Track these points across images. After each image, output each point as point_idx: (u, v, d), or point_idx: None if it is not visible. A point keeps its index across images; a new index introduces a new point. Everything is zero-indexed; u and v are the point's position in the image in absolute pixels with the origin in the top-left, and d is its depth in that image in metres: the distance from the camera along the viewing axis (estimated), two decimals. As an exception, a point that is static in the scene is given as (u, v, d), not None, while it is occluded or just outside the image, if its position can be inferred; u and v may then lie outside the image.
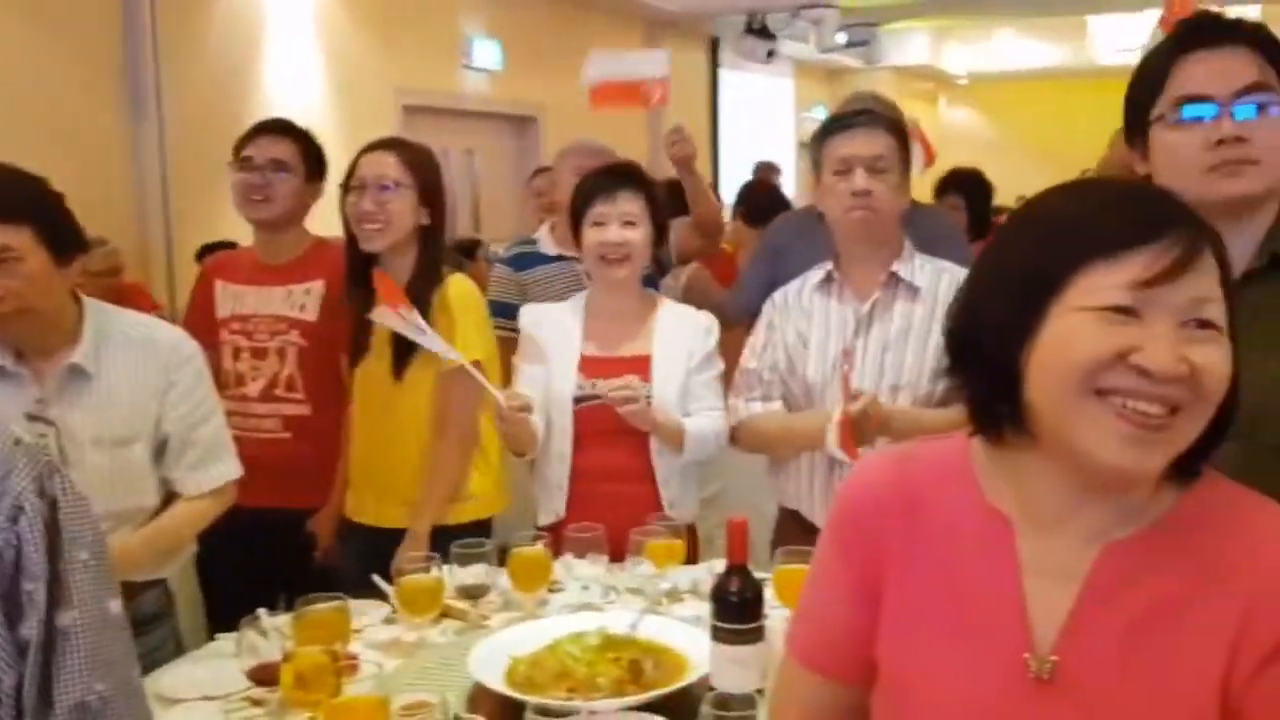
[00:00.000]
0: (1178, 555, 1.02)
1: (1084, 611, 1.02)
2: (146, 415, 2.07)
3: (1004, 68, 14.32)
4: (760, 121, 12.54)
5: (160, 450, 2.12)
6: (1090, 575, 1.03)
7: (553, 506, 2.58)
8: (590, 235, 2.57)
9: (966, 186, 4.76)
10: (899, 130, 2.46)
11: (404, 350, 2.55)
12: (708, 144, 11.54)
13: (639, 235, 2.56)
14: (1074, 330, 0.98)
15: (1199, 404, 0.98)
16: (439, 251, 2.63)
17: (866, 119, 2.43)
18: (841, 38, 10.33)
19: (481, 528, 2.61)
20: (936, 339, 2.36)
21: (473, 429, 2.63)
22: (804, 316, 2.48)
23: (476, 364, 2.51)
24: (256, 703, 1.83)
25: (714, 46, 11.45)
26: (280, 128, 2.93)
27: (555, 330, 2.63)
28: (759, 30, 10.02)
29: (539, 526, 2.54)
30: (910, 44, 13.46)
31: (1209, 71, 1.52)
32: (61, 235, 1.97)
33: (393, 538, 2.54)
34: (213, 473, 2.16)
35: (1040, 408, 1.00)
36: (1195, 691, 0.98)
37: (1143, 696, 0.99)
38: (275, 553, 2.73)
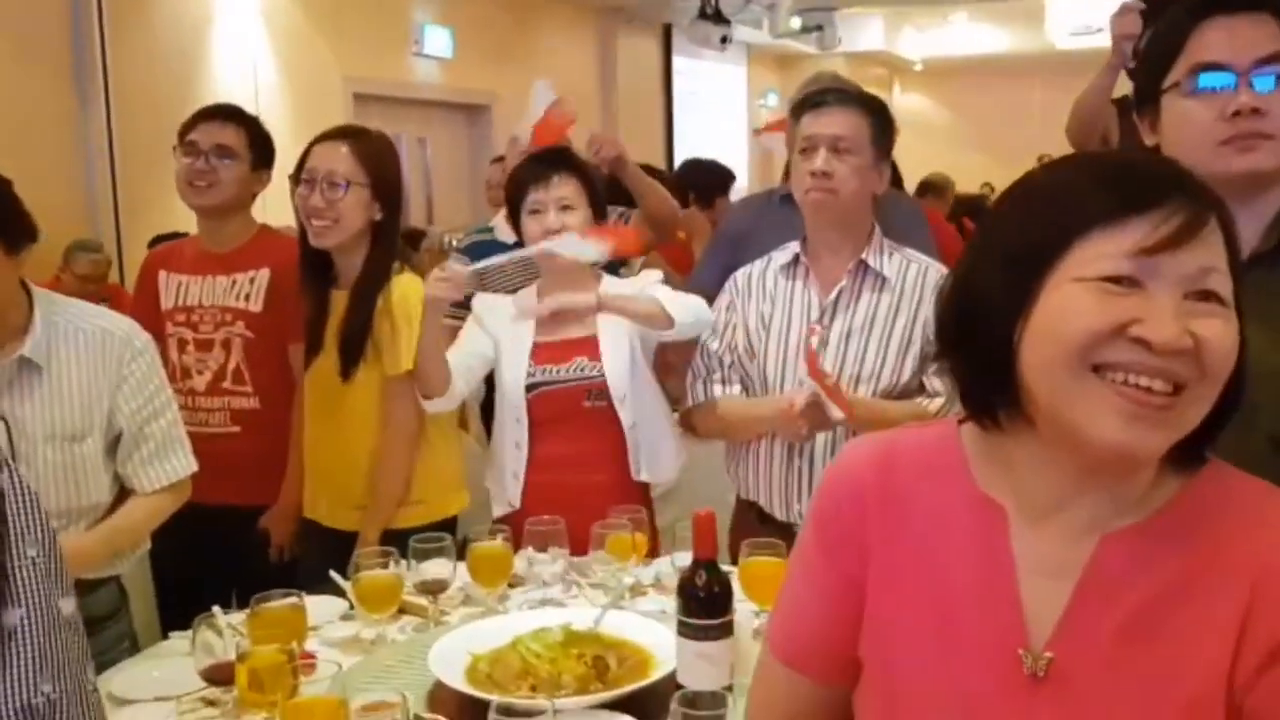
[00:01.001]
0: (1179, 547, 0.98)
1: (1080, 606, 0.98)
2: (99, 409, 2.03)
3: (959, 53, 14.35)
4: (714, 110, 12.53)
5: (113, 445, 2.08)
6: (1087, 569, 0.99)
7: (506, 497, 2.57)
8: (529, 224, 2.54)
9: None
10: (875, 109, 2.40)
11: (351, 350, 2.50)
12: (662, 133, 11.53)
13: (576, 219, 2.53)
14: (1070, 302, 0.93)
15: (1203, 382, 0.93)
16: (391, 248, 2.55)
17: (836, 97, 2.39)
18: (796, 22, 10.33)
19: (435, 529, 2.55)
20: (901, 331, 2.36)
21: (417, 432, 2.56)
22: (766, 299, 2.45)
23: (409, 373, 2.48)
24: (211, 703, 1.79)
25: (667, 34, 11.42)
26: (226, 113, 2.87)
27: (507, 321, 2.60)
28: (713, 15, 9.99)
29: (495, 519, 2.53)
30: (865, 29, 13.48)
31: (1228, 38, 1.44)
32: (11, 225, 1.92)
33: (348, 539, 2.50)
34: (167, 467, 2.13)
35: (1035, 388, 0.95)
36: (1196, 688, 0.94)
37: (1140, 693, 0.95)
38: (228, 550, 2.68)
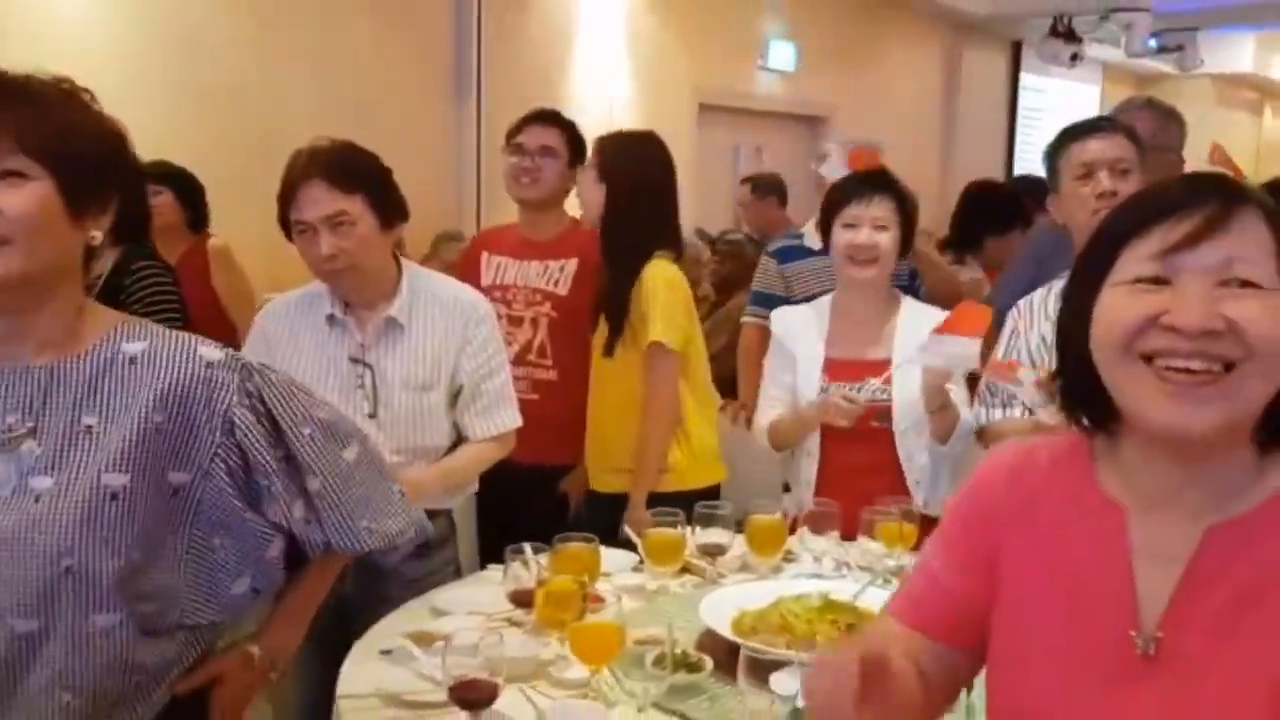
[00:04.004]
0: (1278, 538, 1.06)
1: (1187, 591, 1.08)
2: (446, 365, 2.36)
3: (1342, 76, 13.22)
4: (1062, 126, 12.12)
5: (454, 397, 2.40)
6: (1193, 558, 1.08)
7: (798, 499, 2.72)
8: (841, 236, 2.67)
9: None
10: (1135, 137, 2.48)
11: (615, 328, 2.81)
12: (1003, 148, 11.30)
13: (888, 239, 2.65)
14: (1111, 304, 1.07)
15: (1253, 359, 1.02)
16: (626, 233, 2.87)
17: (1102, 123, 2.49)
18: (1152, 43, 9.87)
19: (683, 498, 2.67)
20: None
21: (671, 402, 2.83)
22: (1049, 323, 2.50)
23: (657, 346, 2.76)
24: (515, 623, 2.10)
25: (1016, 51, 11.19)
26: (549, 117, 3.24)
27: (801, 334, 2.76)
28: (1065, 33, 9.72)
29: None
30: (1232, 49, 12.57)
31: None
32: (388, 205, 2.28)
33: (609, 500, 2.83)
34: (497, 420, 2.43)
35: (1108, 388, 1.08)
36: None
37: (1241, 672, 1.04)
38: (529, 504, 2.98)
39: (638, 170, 2.90)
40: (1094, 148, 2.42)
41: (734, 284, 4.99)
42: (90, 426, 1.38)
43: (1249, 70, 13.12)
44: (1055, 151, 2.51)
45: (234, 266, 4.05)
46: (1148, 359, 1.05)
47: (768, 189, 6.12)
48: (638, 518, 2.72)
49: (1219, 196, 1.06)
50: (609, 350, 2.87)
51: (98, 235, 1.40)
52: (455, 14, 6.25)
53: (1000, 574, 1.19)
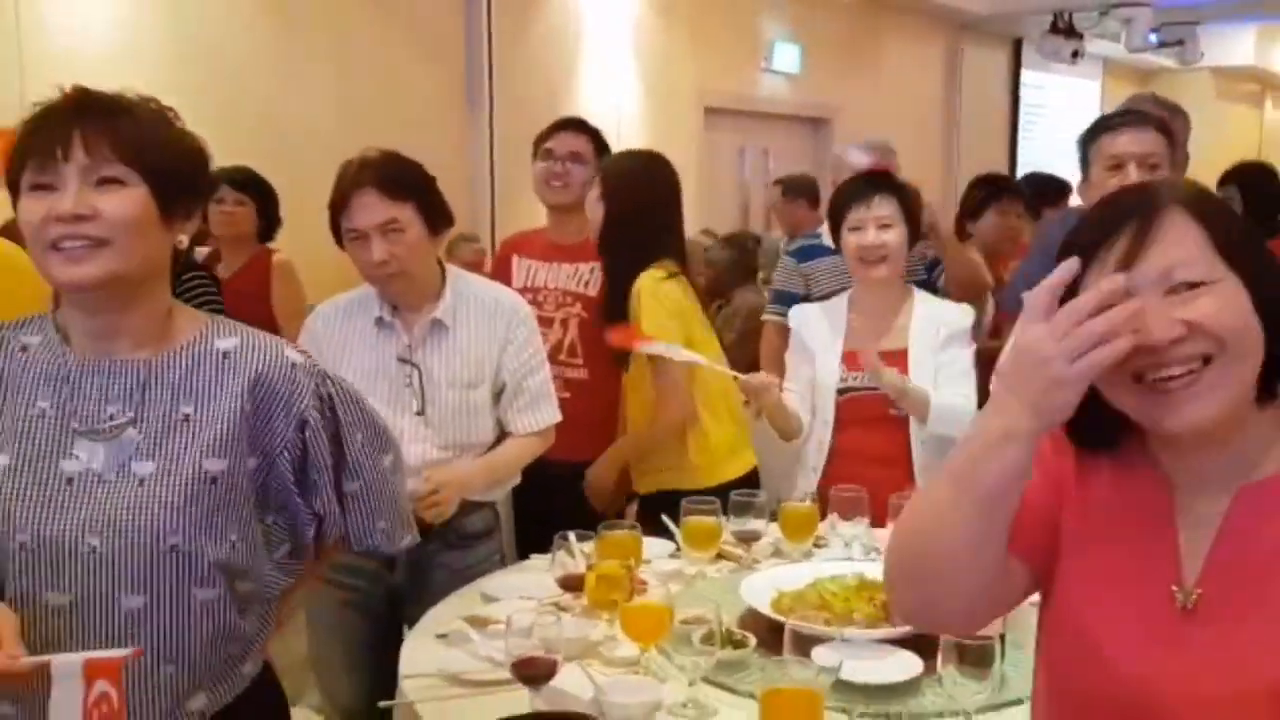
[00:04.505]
0: None
1: (1222, 549, 1.17)
2: (489, 364, 2.46)
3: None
4: (1063, 123, 12.22)
5: (497, 394, 2.49)
6: (1227, 517, 1.17)
7: (806, 485, 2.82)
8: (849, 239, 2.80)
9: (1247, 180, 4.61)
10: (1167, 130, 2.56)
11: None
12: (1005, 145, 11.40)
13: (894, 236, 2.77)
14: None
15: (1226, 348, 1.10)
16: (615, 244, 2.99)
17: (1135, 118, 2.58)
18: (1152, 38, 9.97)
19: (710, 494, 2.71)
20: None
21: (679, 407, 2.92)
22: None
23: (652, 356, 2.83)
24: (562, 608, 2.19)
25: (1017, 47, 11.29)
26: (577, 125, 3.35)
27: (820, 328, 2.88)
28: (1065, 29, 9.83)
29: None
30: (1234, 42, 12.63)
31: None
32: (436, 212, 2.38)
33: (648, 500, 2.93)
34: (538, 416, 2.53)
35: (1116, 405, 1.16)
36: None
37: (1273, 624, 1.12)
38: (562, 499, 3.03)
39: (638, 193, 2.99)
40: (1124, 141, 2.52)
41: (733, 281, 5.13)
42: (188, 415, 1.50)
43: (1250, 63, 13.18)
44: (1088, 141, 2.59)
45: (294, 281, 4.11)
46: (1138, 377, 1.12)
47: (798, 191, 6.21)
48: (598, 474, 2.98)
49: (1136, 212, 1.13)
50: (623, 362, 2.98)
51: (184, 239, 1.52)
52: (465, 24, 6.37)
53: (1065, 514, 1.26)
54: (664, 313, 2.91)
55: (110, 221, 1.41)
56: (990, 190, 4.56)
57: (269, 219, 4.11)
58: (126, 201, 1.42)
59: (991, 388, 1.17)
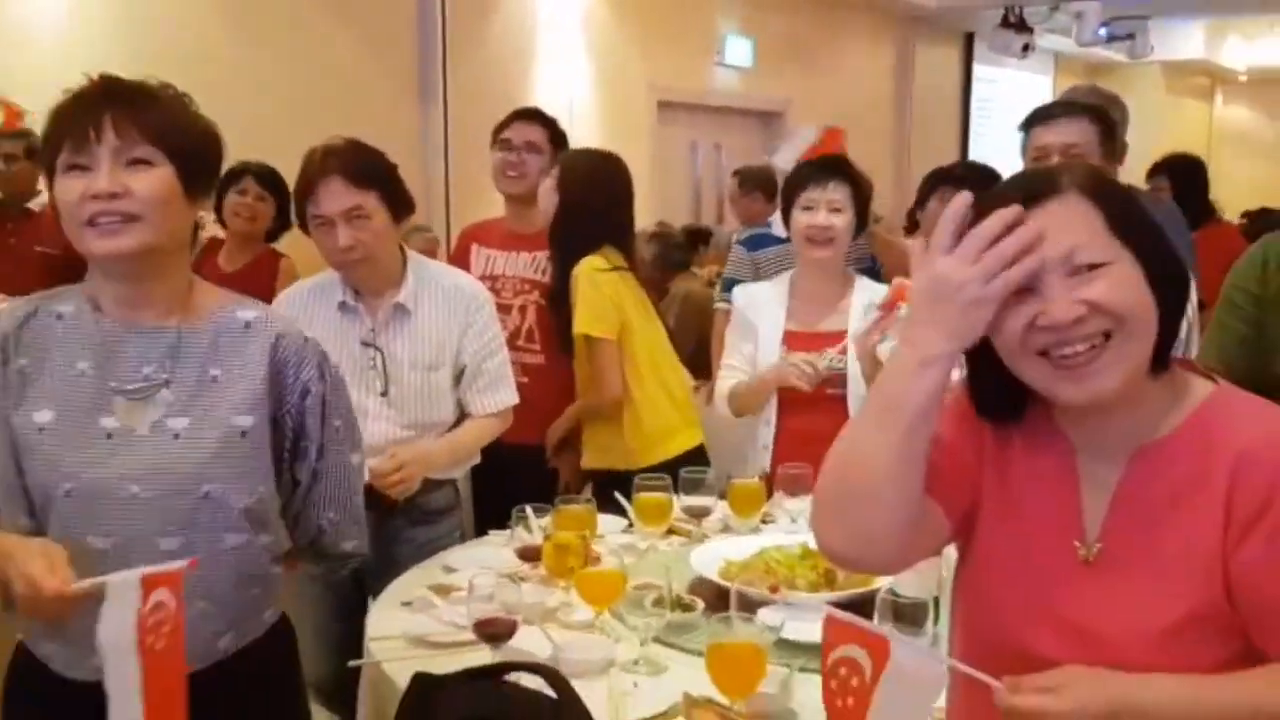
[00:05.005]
0: (1187, 451, 1.25)
1: (1120, 506, 1.28)
2: (450, 347, 2.56)
3: (1291, 64, 13.46)
4: (1015, 117, 12.35)
5: (458, 376, 2.59)
6: (1123, 477, 1.28)
7: (759, 463, 2.93)
8: (799, 218, 2.90)
9: (1176, 171, 4.76)
10: (1104, 120, 2.65)
11: (565, 324, 3.05)
12: (957, 139, 11.57)
13: (843, 221, 2.88)
14: (999, 318, 1.21)
15: (1124, 325, 1.20)
16: (563, 233, 3.13)
17: (1065, 108, 2.68)
18: (1102, 32, 10.15)
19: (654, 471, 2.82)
20: None
21: (610, 389, 3.06)
22: None
23: (586, 339, 3.00)
24: (522, 577, 2.29)
25: (968, 42, 11.46)
26: (534, 115, 3.45)
27: (763, 307, 2.99)
28: (1016, 24, 9.98)
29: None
30: (1183, 37, 12.74)
31: None
32: (398, 199, 2.48)
33: (602, 474, 3.05)
34: (497, 398, 2.64)
35: (1022, 379, 1.26)
36: (1202, 562, 1.21)
37: (1163, 570, 1.24)
38: (520, 479, 3.07)
39: (592, 188, 3.12)
40: (1044, 134, 2.63)
41: (660, 274, 5.31)
42: (216, 376, 1.65)
43: (1200, 57, 13.35)
44: (1024, 132, 2.71)
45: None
46: (1043, 354, 1.22)
47: (755, 183, 6.32)
48: (553, 428, 3.22)
49: (1031, 197, 1.22)
50: (565, 344, 3.10)
51: (204, 215, 1.70)
52: (419, 17, 6.44)
53: (983, 480, 1.37)
54: (600, 299, 3.03)
55: (141, 199, 1.54)
56: (934, 180, 4.70)
57: (282, 221, 4.14)
58: (155, 180, 1.56)
59: (899, 327, 1.27)
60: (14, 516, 1.58)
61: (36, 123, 4.29)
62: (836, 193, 2.89)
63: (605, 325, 3.05)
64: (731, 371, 3.00)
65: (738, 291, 3.12)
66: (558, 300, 3.10)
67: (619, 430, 3.09)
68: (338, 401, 1.76)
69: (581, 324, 3.02)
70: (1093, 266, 1.21)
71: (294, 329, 1.73)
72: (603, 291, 3.04)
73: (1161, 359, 1.26)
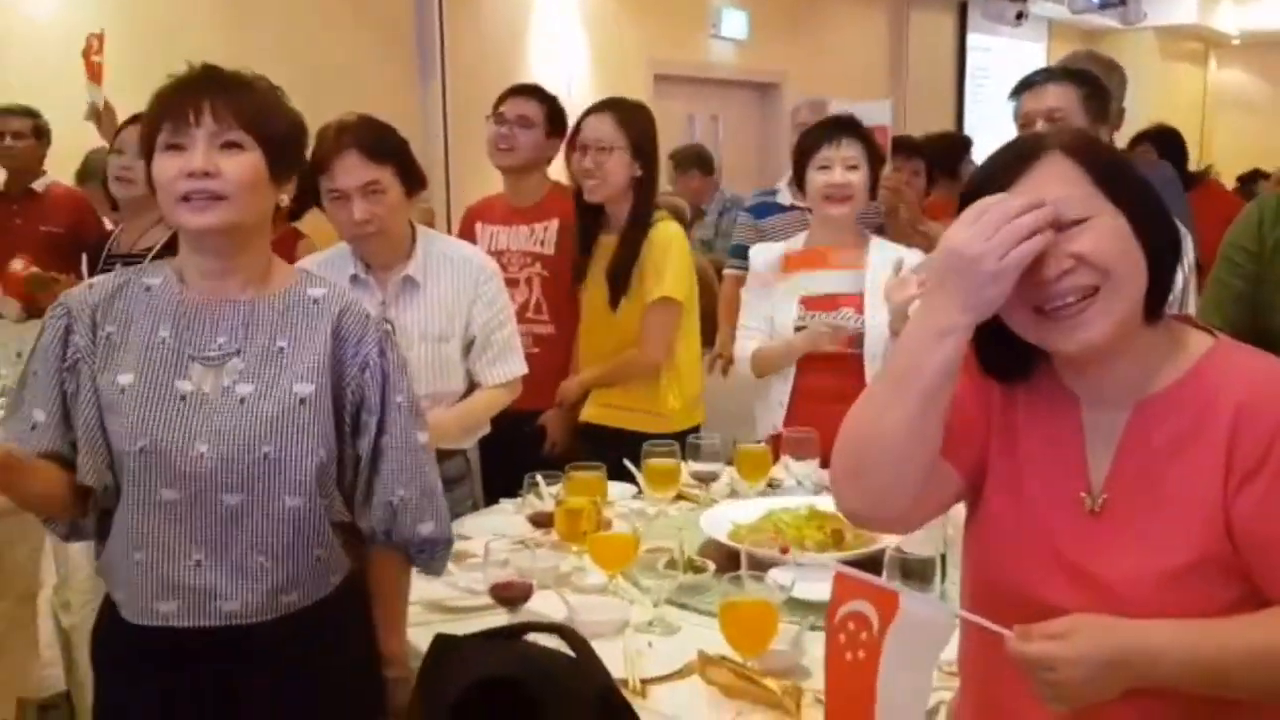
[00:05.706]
0: (1189, 402, 1.28)
1: (1124, 457, 1.32)
2: (459, 319, 2.59)
3: (1283, 26, 13.42)
4: (1009, 86, 12.35)
5: (467, 347, 2.62)
6: (1127, 428, 1.32)
7: (771, 420, 2.97)
8: (816, 178, 2.93)
9: (1158, 140, 4.81)
10: (1094, 85, 2.68)
11: (618, 283, 3.03)
12: (952, 109, 11.56)
13: (859, 178, 2.92)
14: None
15: (1111, 276, 1.24)
16: (650, 198, 3.09)
17: (1049, 74, 2.71)
18: (1095, -1, 10.15)
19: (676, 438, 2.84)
20: None
21: (661, 350, 3.05)
22: None
23: (667, 300, 2.98)
24: (536, 544, 2.34)
25: (962, 11, 11.44)
26: (529, 90, 3.46)
27: (780, 268, 3.00)
28: (1010, -10, 9.98)
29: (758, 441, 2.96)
30: (1175, 2, 12.77)
31: None
32: (411, 174, 2.51)
33: (617, 434, 3.02)
34: (506, 368, 2.67)
35: (1023, 336, 1.30)
36: (1204, 511, 1.25)
37: (1166, 519, 1.28)
38: (531, 446, 3.15)
39: (655, 141, 3.13)
40: (1029, 100, 2.66)
41: None
42: (283, 348, 1.74)
43: (1193, 21, 13.30)
44: (1015, 107, 2.74)
45: None
46: (1037, 309, 1.26)
47: (690, 162, 6.34)
48: (568, 386, 3.18)
49: (1018, 161, 1.27)
50: (614, 304, 3.06)
51: (285, 198, 1.77)
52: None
53: (991, 439, 1.40)
54: (689, 265, 3.09)
55: (230, 180, 1.64)
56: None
57: (303, 201, 4.14)
58: (244, 163, 1.66)
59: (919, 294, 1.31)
60: (96, 468, 1.69)
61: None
62: (850, 149, 2.93)
63: (687, 289, 3.08)
64: (750, 334, 3.03)
65: (755, 251, 3.13)
66: (624, 263, 3.04)
67: (652, 393, 3.08)
68: (400, 380, 1.82)
69: (667, 286, 3.01)
70: (1078, 221, 1.25)
71: (358, 307, 1.82)
72: (690, 257, 3.08)
73: (1155, 309, 1.30)
